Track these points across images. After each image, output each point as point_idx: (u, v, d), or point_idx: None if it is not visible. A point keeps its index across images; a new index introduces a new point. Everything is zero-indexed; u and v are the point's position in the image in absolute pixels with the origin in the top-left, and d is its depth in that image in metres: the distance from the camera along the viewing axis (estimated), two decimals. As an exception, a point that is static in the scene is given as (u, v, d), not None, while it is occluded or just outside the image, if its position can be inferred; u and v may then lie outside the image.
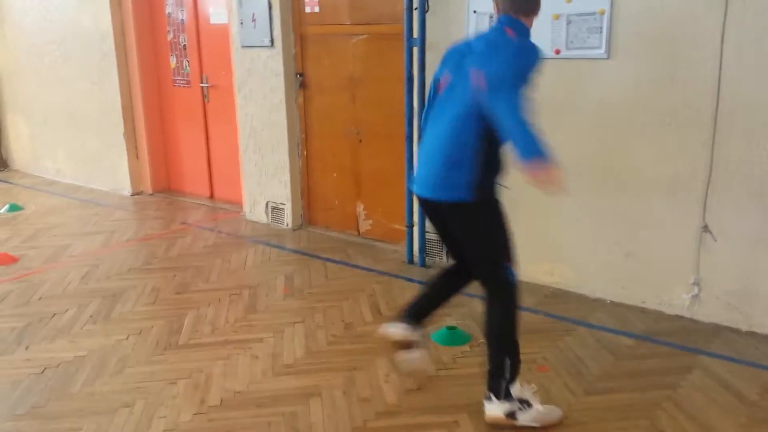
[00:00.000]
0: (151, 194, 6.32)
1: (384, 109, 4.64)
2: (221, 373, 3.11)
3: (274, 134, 5.07)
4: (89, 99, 6.33)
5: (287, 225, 5.22)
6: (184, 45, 5.86)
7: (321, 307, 3.85)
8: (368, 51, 4.63)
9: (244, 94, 5.17)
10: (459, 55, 2.59)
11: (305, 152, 5.11)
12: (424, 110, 2.77)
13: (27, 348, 3.36)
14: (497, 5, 2.57)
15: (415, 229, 4.45)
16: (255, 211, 5.40)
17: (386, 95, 4.57)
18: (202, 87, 5.82)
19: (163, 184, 6.40)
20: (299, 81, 4.97)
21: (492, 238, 2.58)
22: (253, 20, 4.86)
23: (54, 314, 3.75)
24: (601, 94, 3.62)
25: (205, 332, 3.53)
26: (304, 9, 4.84)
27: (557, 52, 3.69)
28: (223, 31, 5.47)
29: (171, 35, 5.94)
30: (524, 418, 2.59)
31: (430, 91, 2.73)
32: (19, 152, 7.41)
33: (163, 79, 6.13)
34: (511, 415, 2.59)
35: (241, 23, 4.96)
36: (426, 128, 2.72)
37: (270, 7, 4.79)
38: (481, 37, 2.60)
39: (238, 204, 5.73)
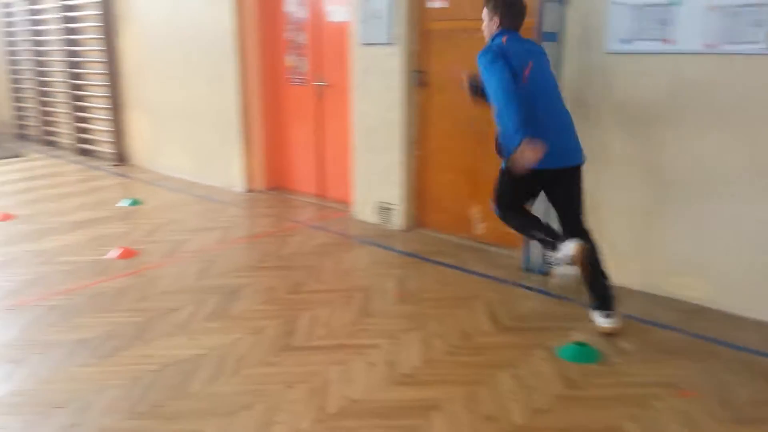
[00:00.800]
0: (262, 191, 6.39)
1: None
2: (338, 378, 3.01)
3: (388, 133, 4.96)
4: (207, 97, 6.47)
5: (397, 226, 5.09)
6: (303, 43, 5.86)
7: (436, 314, 3.69)
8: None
9: (360, 92, 5.09)
10: (525, 51, 3.31)
11: (420, 152, 4.96)
12: (511, 94, 3.13)
13: (146, 344, 3.39)
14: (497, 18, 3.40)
15: (536, 235, 4.19)
16: (365, 210, 5.32)
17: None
18: (318, 85, 5.79)
19: (275, 181, 6.45)
20: (418, 78, 4.82)
21: None
22: (375, 17, 4.76)
23: (172, 310, 3.78)
24: (756, 92, 3.24)
25: (320, 334, 3.45)
26: (427, 4, 4.70)
27: (712, 46, 3.34)
28: (341, 28, 5.42)
29: (290, 33, 5.96)
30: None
31: (509, 79, 3.15)
32: (139, 148, 7.71)
33: (280, 77, 6.17)
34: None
35: (363, 20, 4.88)
36: (538, 111, 3.20)
37: (393, 4, 4.68)
38: (526, 40, 3.44)
39: (348, 203, 5.66)
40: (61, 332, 3.54)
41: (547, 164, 3.18)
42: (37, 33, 8.90)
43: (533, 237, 3.57)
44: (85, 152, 8.48)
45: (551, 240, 3.41)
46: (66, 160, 8.30)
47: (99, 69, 7.80)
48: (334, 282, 4.18)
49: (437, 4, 4.68)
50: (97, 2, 7.42)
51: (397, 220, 5.07)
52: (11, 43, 9.68)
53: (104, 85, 7.74)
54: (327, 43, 5.69)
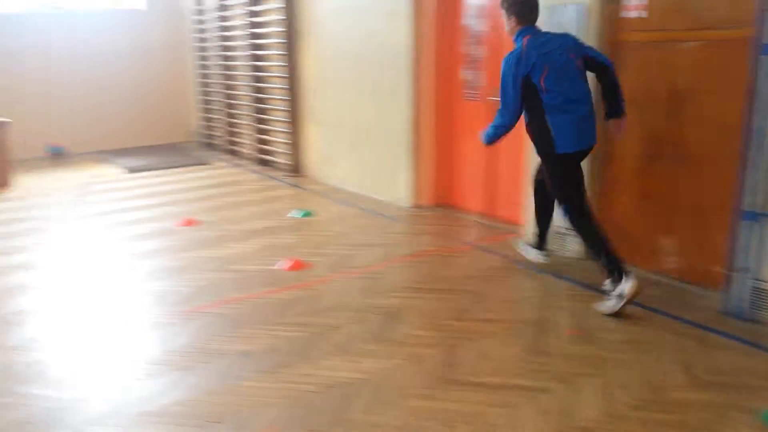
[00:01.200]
0: (428, 207, 6.23)
1: (709, 128, 3.88)
2: (504, 424, 2.72)
3: (567, 152, 4.56)
4: (380, 111, 6.46)
5: (574, 253, 4.67)
6: (480, 57, 5.64)
7: (617, 359, 3.26)
8: (698, 60, 3.91)
9: (536, 108, 4.74)
10: (542, 55, 3.77)
11: (604, 174, 4.51)
12: (512, 113, 3.89)
13: (307, 362, 3.32)
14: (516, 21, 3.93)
15: (741, 275, 3.61)
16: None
17: (714, 111, 3.82)
18: (493, 101, 5.52)
19: (441, 197, 6.28)
20: (603, 93, 4.40)
21: None
22: (563, 29, 4.41)
23: (335, 328, 3.70)
24: None
25: (485, 370, 3.17)
26: (621, 14, 4.28)
27: None
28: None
29: (467, 47, 5.77)
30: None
31: (517, 90, 3.83)
32: (313, 160, 7.91)
33: (454, 92, 5.99)
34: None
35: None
36: (559, 106, 3.76)
37: (582, 15, 4.31)
38: (544, 35, 3.90)
39: (519, 225, 5.32)
40: (226, 342, 3.59)
41: (576, 147, 3.82)
42: (226, 48, 9.51)
43: (598, 259, 3.83)
44: (264, 162, 8.89)
45: (614, 270, 3.74)
46: (246, 169, 8.74)
47: (280, 83, 8.12)
48: (502, 311, 3.88)
49: (633, 14, 4.23)
50: (280, 19, 7.74)
51: (574, 246, 4.65)
52: (203, 57, 10.45)
53: (284, 99, 8.05)
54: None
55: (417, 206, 6.29)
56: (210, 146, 10.69)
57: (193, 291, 4.38)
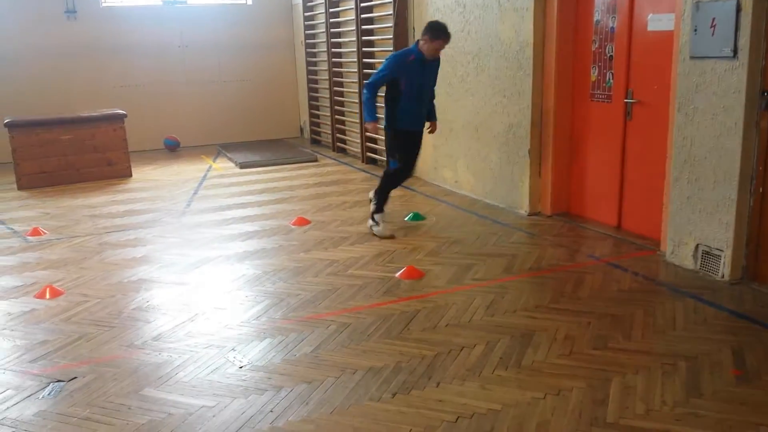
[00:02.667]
0: (549, 216, 5.89)
1: None
2: (667, 479, 2.41)
3: (720, 164, 4.13)
4: (497, 112, 6.16)
5: (722, 276, 4.23)
6: (610, 56, 5.24)
7: (792, 407, 2.86)
8: None
9: (685, 113, 4.33)
10: (401, 69, 5.41)
11: (761, 188, 4.05)
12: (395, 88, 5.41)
13: (438, 385, 3.12)
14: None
15: None
16: (679, 252, 4.52)
17: None
18: (626, 103, 5.13)
19: (562, 206, 5.91)
20: (766, 101, 3.93)
21: None
22: (712, 26, 3.98)
23: (462, 347, 3.48)
24: None
25: (638, 412, 2.86)
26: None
27: None
28: (662, 39, 4.71)
29: (596, 45, 5.38)
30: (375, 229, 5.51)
31: (394, 78, 5.41)
32: (422, 161, 7.69)
33: (580, 93, 5.61)
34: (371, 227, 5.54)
35: (695, 30, 4.12)
36: (407, 104, 5.43)
37: (738, 10, 3.86)
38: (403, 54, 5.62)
39: (654, 240, 4.91)
40: (352, 355, 3.45)
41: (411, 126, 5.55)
42: (335, 44, 9.46)
43: (385, 196, 5.64)
44: (372, 161, 8.79)
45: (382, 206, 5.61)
46: (354, 168, 8.67)
47: (390, 80, 7.97)
48: (648, 342, 3.52)
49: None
50: (391, 15, 7.56)
51: (724, 269, 4.21)
52: (312, 54, 10.46)
53: (394, 96, 7.88)
54: (641, 56, 5.00)
55: (536, 214, 5.96)
56: (317, 143, 10.72)
57: (313, 296, 4.28)
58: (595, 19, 5.38)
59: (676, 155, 4.46)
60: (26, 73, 9.59)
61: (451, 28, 6.61)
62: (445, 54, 6.82)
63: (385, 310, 4.02)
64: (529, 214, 5.95)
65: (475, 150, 6.60)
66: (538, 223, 5.74)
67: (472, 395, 3.02)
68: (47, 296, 4.40)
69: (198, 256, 5.19)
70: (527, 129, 5.80)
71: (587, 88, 5.54)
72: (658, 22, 4.82)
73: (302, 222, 6.05)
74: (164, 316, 4.04)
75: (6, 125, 7.78)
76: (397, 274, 4.59)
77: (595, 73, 5.43)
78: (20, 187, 7.85)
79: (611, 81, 5.28)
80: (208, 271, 4.84)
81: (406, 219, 6.05)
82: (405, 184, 6.49)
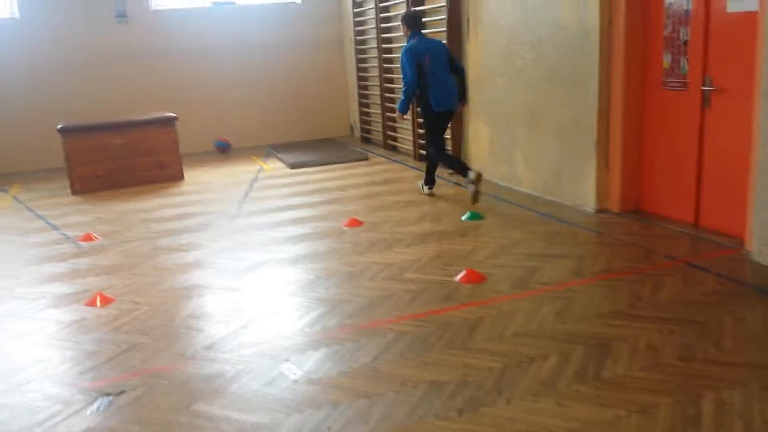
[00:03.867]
0: (617, 213, 5.52)
1: None
2: None
3: (817, 154, 3.72)
4: (559, 102, 5.82)
5: (819, 278, 3.82)
6: (685, 40, 4.85)
7: None
8: None
9: (774, 100, 3.93)
10: (425, 48, 6.11)
11: None
12: (414, 77, 6.12)
13: (509, 401, 2.85)
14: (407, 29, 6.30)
15: None
16: (766, 251, 4.12)
17: None
18: (704, 90, 4.73)
19: (631, 202, 5.53)
20: None
21: None
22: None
23: (532, 359, 3.20)
24: None
25: (736, 431, 2.53)
26: None
27: None
28: (744, 21, 4.31)
29: (669, 29, 4.99)
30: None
31: (413, 68, 6.09)
32: (478, 156, 7.41)
33: (651, 80, 5.23)
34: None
35: (785, 6, 3.73)
36: (434, 86, 6.12)
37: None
38: (429, 41, 6.33)
39: (737, 238, 4.51)
40: (413, 367, 3.21)
41: (443, 107, 6.18)
42: (385, 40, 9.23)
43: (453, 166, 6.33)
44: (423, 158, 8.52)
45: (462, 168, 6.18)
46: (406, 166, 8.43)
47: (443, 75, 7.69)
48: (741, 352, 3.17)
49: None
50: (444, 7, 7.28)
51: (821, 270, 3.80)
52: (361, 51, 10.26)
53: (446, 91, 7.60)
54: (720, 40, 4.60)
55: (603, 211, 5.59)
56: (368, 141, 10.51)
57: (369, 302, 4.06)
58: (666, 2, 4.99)
59: (762, 146, 4.06)
60: (78, 78, 9.69)
61: (508, 18, 6.36)
62: (501, 45, 6.55)
63: (445, 317, 3.77)
64: (597, 212, 5.59)
65: (535, 144, 6.27)
66: (606, 221, 5.38)
67: (547, 413, 2.75)
68: (98, 304, 4.30)
69: (250, 260, 5.04)
70: (593, 120, 5.45)
71: (659, 75, 5.15)
72: (739, 2, 4.42)
73: (354, 223, 5.84)
74: (217, 324, 3.88)
75: (59, 130, 7.84)
76: (457, 278, 4.33)
77: (668, 60, 5.04)
78: (74, 192, 7.90)
79: (686, 67, 4.89)
80: (260, 276, 4.68)
81: (463, 218, 5.77)
82: (460, 181, 6.69)
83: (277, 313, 4.00)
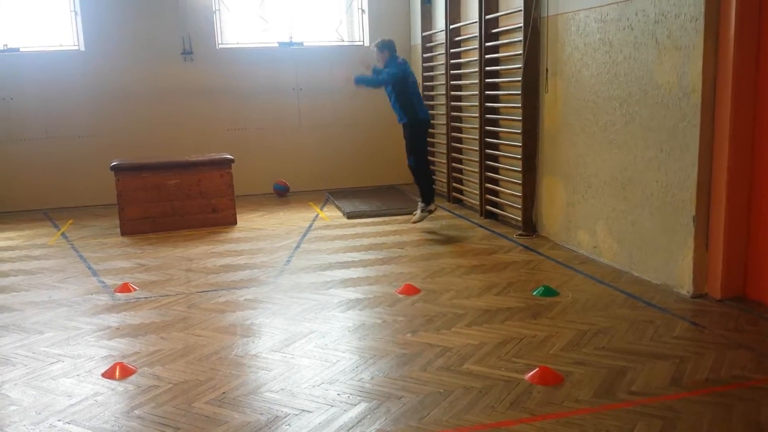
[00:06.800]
0: (719, 300, 4.71)
1: None
2: None
3: None
4: (652, 168, 5.10)
5: None
6: (810, 103, 4.10)
7: None
8: None
9: None
10: (409, 71, 7.04)
11: None
12: (399, 92, 6.94)
13: None
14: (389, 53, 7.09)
15: None
16: None
17: None
18: (838, 165, 3.95)
19: (736, 288, 4.73)
20: None
21: None
22: None
23: None
24: None
25: None
26: None
27: None
28: None
29: (790, 90, 4.25)
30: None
31: (393, 81, 6.86)
32: (551, 219, 6.71)
33: (763, 149, 4.47)
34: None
35: None
36: (416, 99, 7.05)
37: None
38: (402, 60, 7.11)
39: None
40: None
41: (426, 115, 7.22)
42: (454, 87, 8.70)
43: (427, 188, 7.29)
44: (490, 215, 7.88)
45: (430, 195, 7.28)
46: (471, 222, 7.80)
47: (514, 127, 7.09)
48: None
49: None
50: (520, 55, 6.69)
51: None
52: (428, 97, 9.77)
53: (517, 146, 6.99)
54: None
55: (702, 296, 4.80)
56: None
57: (419, 401, 3.41)
58: (787, 58, 4.26)
59: None
60: (139, 114, 9.55)
61: (595, 70, 5.72)
62: (585, 99, 5.90)
63: (515, 432, 3.08)
64: (693, 296, 4.79)
65: (621, 212, 5.53)
66: (705, 310, 4.58)
67: None
68: (117, 375, 3.82)
69: (288, 330, 4.48)
70: (692, 191, 4.70)
71: (775, 142, 4.39)
72: None
73: (410, 290, 5.23)
74: (241, 416, 3.32)
75: (112, 168, 7.59)
76: (527, 376, 3.63)
77: (788, 125, 4.28)
78: (123, 233, 7.60)
79: (811, 135, 4.12)
80: (297, 353, 4.10)
81: (534, 293, 5.08)
82: (531, 246, 6.44)
83: (311, 408, 3.39)
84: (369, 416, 3.28)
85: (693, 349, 3.96)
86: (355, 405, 3.40)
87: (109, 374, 3.85)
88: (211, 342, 4.33)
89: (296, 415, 3.33)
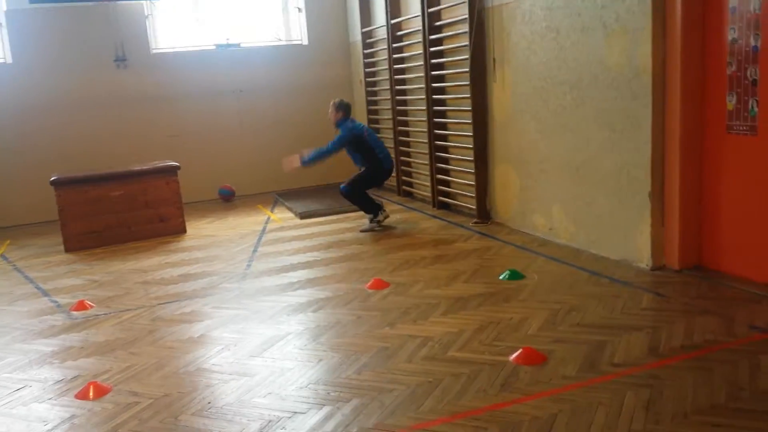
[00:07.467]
0: (677, 270, 4.91)
1: None
2: None
3: None
4: (604, 149, 5.27)
5: None
6: (753, 80, 4.31)
7: None
8: None
9: None
10: (362, 127, 7.22)
11: None
12: (337, 150, 7.17)
13: None
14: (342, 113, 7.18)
15: None
16: None
17: None
18: (782, 134, 4.18)
19: (693, 257, 4.94)
20: None
21: None
22: None
23: (632, 477, 2.55)
24: None
25: None
26: None
27: None
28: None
29: (732, 68, 4.46)
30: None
31: (342, 145, 7.13)
32: (506, 205, 6.84)
33: (712, 124, 4.68)
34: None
35: None
36: (378, 150, 7.16)
37: None
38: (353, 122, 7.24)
39: (833, 304, 3.91)
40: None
41: (390, 165, 7.32)
42: (399, 82, 8.74)
43: (368, 204, 7.30)
44: (443, 205, 7.96)
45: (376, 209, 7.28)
46: (424, 214, 7.85)
47: (463, 118, 7.18)
48: None
49: None
50: (466, 46, 6.79)
51: None
52: (372, 93, 9.78)
53: (467, 135, 7.08)
54: (797, 76, 4.06)
55: (660, 268, 4.99)
56: (379, 187, 9.93)
57: (411, 392, 3.41)
58: (729, 38, 4.47)
59: None
60: (74, 125, 9.15)
61: (543, 57, 5.86)
62: (534, 86, 6.04)
63: (509, 414, 3.12)
64: (652, 269, 4.98)
65: (576, 193, 5.68)
66: (667, 281, 4.77)
67: None
68: (90, 395, 3.65)
69: (263, 335, 4.40)
70: (647, 168, 4.88)
71: (722, 119, 4.60)
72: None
73: (380, 285, 5.23)
74: (232, 425, 3.23)
75: (52, 183, 7.26)
76: (511, 358, 3.69)
77: (733, 102, 4.50)
78: (68, 249, 7.28)
79: (755, 109, 4.34)
80: (277, 356, 4.03)
81: (501, 278, 5.16)
82: (488, 232, 6.56)
83: (301, 408, 3.34)
84: (364, 411, 3.25)
85: (662, 318, 4.12)
86: (348, 401, 3.37)
87: (82, 395, 3.67)
88: (184, 353, 4.21)
89: (289, 417, 3.27)
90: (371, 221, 7.24)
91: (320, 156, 7.04)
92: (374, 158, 7.10)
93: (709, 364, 3.46)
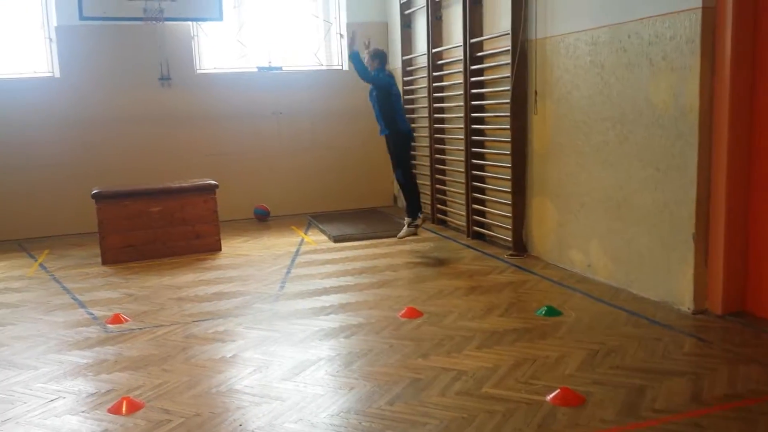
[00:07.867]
0: (720, 316, 4.78)
1: None
2: None
3: None
4: (647, 187, 5.18)
5: None
6: (808, 121, 4.23)
7: None
8: None
9: None
10: (390, 84, 7.09)
11: None
12: (381, 101, 7.01)
13: None
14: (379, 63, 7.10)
15: None
16: None
17: None
18: (837, 181, 4.07)
19: (736, 303, 4.81)
20: None
21: None
22: None
23: None
24: None
25: None
26: None
27: None
28: None
29: (786, 108, 4.38)
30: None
31: (377, 94, 7.04)
32: (542, 239, 6.76)
33: (760, 166, 4.58)
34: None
35: None
36: (398, 113, 7.10)
37: None
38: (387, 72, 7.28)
39: None
40: None
41: (409, 130, 7.33)
42: (439, 111, 8.76)
43: (415, 201, 7.27)
44: (477, 235, 7.90)
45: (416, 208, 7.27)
46: (459, 243, 7.80)
47: (502, 149, 7.15)
48: None
49: None
50: (508, 78, 6.78)
51: None
52: (410, 120, 9.77)
53: (505, 166, 7.05)
54: None
55: (702, 312, 4.86)
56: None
57: (445, 427, 3.36)
58: (783, 76, 4.40)
59: None
60: (116, 141, 9.34)
61: (586, 91, 5.82)
62: (576, 119, 6.00)
63: (546, 456, 3.05)
64: (694, 312, 4.85)
65: (616, 230, 5.59)
66: (709, 326, 4.64)
67: None
68: (123, 410, 3.67)
69: (295, 358, 4.38)
70: (691, 208, 4.78)
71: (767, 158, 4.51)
72: None
73: (413, 314, 5.18)
74: (261, 450, 3.21)
75: (93, 196, 7.40)
76: (548, 398, 3.61)
77: (784, 143, 4.41)
78: (105, 262, 7.39)
79: (808, 152, 4.25)
80: (308, 381, 4.01)
81: (537, 313, 5.08)
82: (524, 265, 6.44)
83: (335, 437, 3.31)
84: (396, 445, 3.21)
85: (705, 365, 4.00)
86: (379, 434, 3.33)
87: (115, 410, 3.69)
88: (216, 372, 4.21)
89: (320, 446, 3.24)
90: (409, 225, 7.26)
91: (358, 66, 6.76)
92: (392, 118, 7.02)
93: (753, 415, 3.34)
